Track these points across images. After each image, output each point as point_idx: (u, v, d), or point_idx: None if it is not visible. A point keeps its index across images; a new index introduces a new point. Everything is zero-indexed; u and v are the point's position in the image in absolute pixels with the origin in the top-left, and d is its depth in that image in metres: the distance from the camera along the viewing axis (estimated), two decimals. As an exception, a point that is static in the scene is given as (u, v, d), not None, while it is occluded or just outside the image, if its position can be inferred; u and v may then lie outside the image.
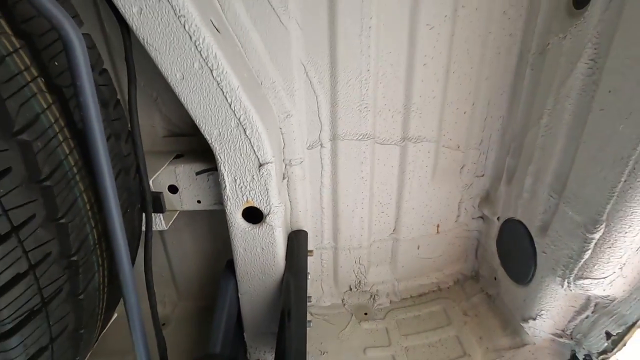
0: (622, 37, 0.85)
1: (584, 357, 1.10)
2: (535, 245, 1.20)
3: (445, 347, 1.44)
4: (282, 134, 1.35)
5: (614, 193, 0.88)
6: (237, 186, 1.17)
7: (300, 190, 1.46)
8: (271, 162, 1.14)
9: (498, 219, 1.45)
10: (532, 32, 1.20)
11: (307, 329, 1.54)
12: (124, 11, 0.92)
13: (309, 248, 1.59)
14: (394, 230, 1.62)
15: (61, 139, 0.67)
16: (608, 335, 1.02)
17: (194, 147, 1.40)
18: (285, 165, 1.41)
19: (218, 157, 1.12)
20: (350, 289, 1.72)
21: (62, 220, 0.67)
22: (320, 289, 1.72)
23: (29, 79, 0.61)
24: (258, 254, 1.28)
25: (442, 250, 1.67)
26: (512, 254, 1.36)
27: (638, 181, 0.82)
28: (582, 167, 0.98)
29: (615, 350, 1.01)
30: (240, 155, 1.12)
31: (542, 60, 1.16)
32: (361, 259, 1.66)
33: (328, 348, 1.50)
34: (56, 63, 0.67)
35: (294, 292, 1.21)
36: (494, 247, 1.47)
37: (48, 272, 0.64)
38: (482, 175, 1.51)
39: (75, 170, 0.70)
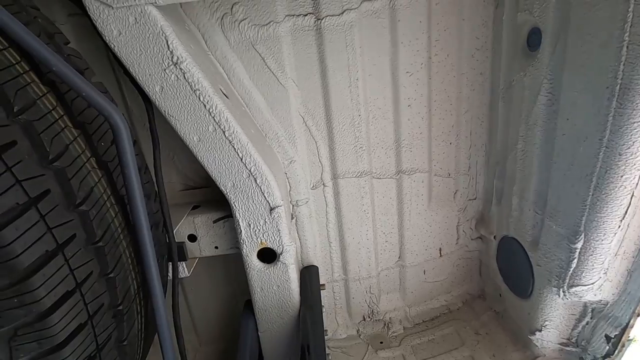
0: (569, 73, 1.01)
1: (589, 362, 1.17)
2: (530, 259, 1.29)
3: (461, 368, 1.49)
4: (287, 178, 1.49)
5: (585, 206, 0.99)
6: (251, 230, 1.28)
7: (308, 228, 1.58)
8: (281, 205, 1.26)
9: (494, 237, 1.55)
10: (498, 70, 1.37)
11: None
12: (147, 90, 1.09)
13: (321, 282, 1.68)
14: (399, 257, 1.71)
15: (108, 205, 0.80)
16: (608, 338, 1.10)
17: (209, 198, 1.53)
18: (293, 206, 1.53)
19: (233, 205, 1.25)
20: (364, 319, 1.78)
21: (111, 275, 0.78)
22: (335, 321, 1.78)
23: (85, 160, 0.75)
24: (274, 292, 1.38)
25: (447, 273, 1.75)
26: (512, 270, 1.45)
27: (603, 194, 0.94)
28: (557, 185, 1.11)
29: (617, 352, 1.07)
30: (253, 202, 1.25)
31: (510, 93, 1.32)
32: (372, 288, 1.74)
33: (349, 379, 1.55)
34: (102, 143, 0.82)
35: (310, 326, 1.29)
36: (495, 264, 1.56)
37: (102, 322, 0.75)
38: (475, 198, 1.63)
39: (119, 230, 0.83)
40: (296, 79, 1.38)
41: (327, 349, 1.70)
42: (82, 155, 0.75)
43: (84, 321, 0.70)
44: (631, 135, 0.85)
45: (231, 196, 1.24)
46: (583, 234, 1.02)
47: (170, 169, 1.50)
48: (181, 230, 1.38)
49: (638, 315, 1.00)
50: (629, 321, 1.02)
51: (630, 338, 1.05)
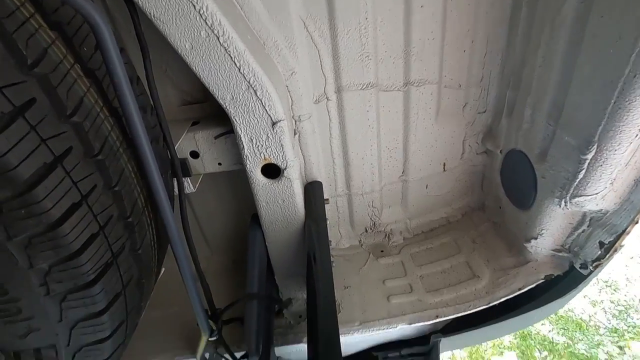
0: (613, -41, 0.87)
1: (580, 265, 1.24)
2: (536, 172, 1.29)
3: (456, 272, 1.60)
4: (289, 91, 1.41)
5: (605, 114, 0.94)
6: (254, 146, 1.26)
7: (311, 144, 1.55)
8: (283, 120, 1.21)
9: (501, 151, 1.53)
10: (527, -39, 1.20)
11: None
12: (129, -12, 0.96)
13: (325, 197, 1.71)
14: (402, 172, 1.72)
15: (103, 117, 0.76)
16: (601, 244, 1.14)
17: (208, 113, 1.48)
18: (295, 121, 1.48)
19: (233, 120, 1.20)
20: (366, 231, 1.87)
21: (116, 188, 0.78)
22: (338, 233, 1.87)
23: (68, 66, 0.69)
24: (280, 206, 1.41)
25: (449, 187, 1.78)
26: (514, 183, 1.46)
27: (626, 102, 0.89)
28: (577, 93, 1.04)
29: (607, 256, 1.13)
30: (254, 116, 1.20)
31: (538, -11, 1.17)
32: (374, 203, 1.78)
33: (350, 283, 1.68)
34: (85, 49, 0.74)
35: (316, 237, 1.35)
36: (498, 178, 1.57)
37: (114, 232, 0.77)
38: (484, 112, 1.56)
39: (118, 143, 0.80)
40: (296, -25, 1.21)
41: (331, 257, 1.82)
42: (64, 61, 0.68)
43: (96, 231, 0.72)
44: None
45: (231, 110, 1.19)
46: (596, 144, 0.99)
47: (165, 82, 1.41)
48: (182, 146, 1.36)
49: (636, 223, 1.03)
50: (626, 228, 1.05)
51: (623, 244, 1.10)
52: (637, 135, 0.92)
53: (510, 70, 1.40)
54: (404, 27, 1.35)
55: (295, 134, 1.48)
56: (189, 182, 1.36)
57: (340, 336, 1.49)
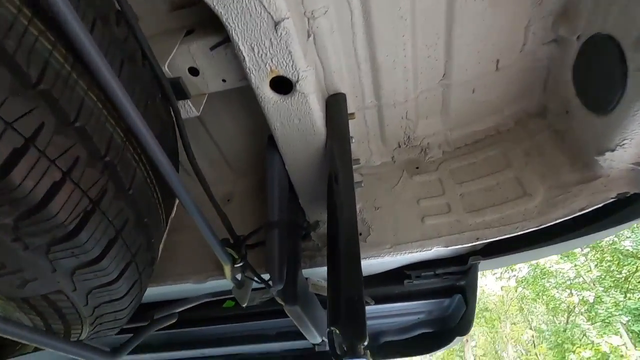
0: None
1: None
2: (628, 64, 0.96)
3: (503, 190, 1.40)
4: (295, -22, 1.10)
5: None
6: (256, 55, 1.03)
7: (330, 47, 1.28)
8: (287, 18, 0.95)
9: (578, 38, 1.17)
10: None
11: (359, 189, 1.59)
12: None
13: (350, 111, 1.49)
14: (443, 75, 1.42)
15: (36, 31, 0.58)
16: None
17: (206, 17, 1.22)
18: (308, 19, 1.20)
19: (226, 23, 0.96)
20: (399, 146, 1.66)
21: (78, 124, 0.63)
22: (368, 149, 1.69)
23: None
24: (296, 126, 1.23)
25: (501, 90, 1.46)
26: (592, 80, 1.14)
27: None
28: None
29: None
30: (250, 16, 0.95)
31: None
32: (408, 114, 1.54)
33: (381, 203, 1.55)
34: None
35: (338, 156, 1.19)
36: (569, 75, 1.24)
37: (84, 176, 0.65)
38: (560, -18, 1.16)
39: (68, 66, 0.63)
40: None
41: (360, 176, 1.68)
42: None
43: (59, 178, 0.61)
44: None
45: (222, 12, 0.94)
46: None
47: (143, -19, 1.16)
48: (177, 62, 1.16)
49: None
50: None
51: None
52: None
53: None
54: None
55: (308, 36, 1.21)
56: (189, 104, 1.19)
57: (372, 258, 1.44)
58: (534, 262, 17.56)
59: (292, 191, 1.46)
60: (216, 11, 0.94)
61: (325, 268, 1.44)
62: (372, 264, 1.52)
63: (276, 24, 0.96)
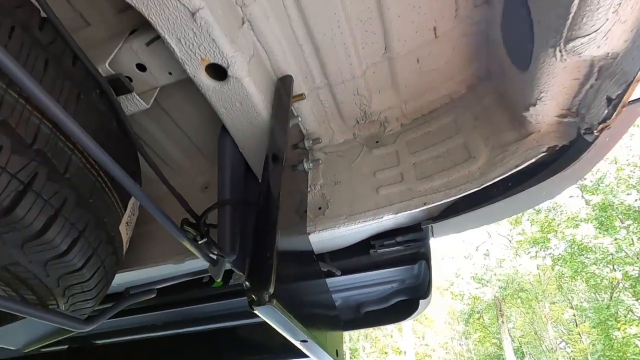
0: None
1: (584, 130, 0.99)
2: (532, 17, 0.98)
3: (451, 155, 1.43)
4: (220, -30, 1.18)
5: None
6: (184, 46, 1.13)
7: (268, 32, 1.35)
8: (202, 8, 1.04)
9: (501, -4, 1.17)
10: None
11: (320, 166, 1.66)
12: None
13: (302, 91, 1.56)
14: (385, 48, 1.45)
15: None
16: (609, 100, 0.88)
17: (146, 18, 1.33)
18: (240, 7, 1.27)
19: (149, 19, 1.06)
20: (358, 122, 1.71)
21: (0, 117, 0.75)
22: (329, 128, 1.75)
23: None
24: (238, 109, 1.32)
25: (447, 57, 1.48)
26: (515, 37, 1.14)
27: None
28: None
29: (615, 114, 0.87)
30: (169, 9, 1.04)
31: None
32: (359, 90, 1.58)
33: (341, 178, 1.62)
34: None
35: (277, 136, 1.26)
36: (499, 33, 1.25)
37: (11, 162, 0.77)
38: (477, -57, 1.17)
39: (-16, 70, 0.75)
40: None
41: (324, 154, 1.75)
42: None
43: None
44: None
45: (142, 8, 1.04)
46: (590, -46, 0.68)
47: (89, -10, 1.27)
48: (123, 60, 1.27)
49: (649, 65, 0.74)
50: (637, 74, 0.77)
51: (634, 99, 0.83)
52: None
53: None
54: None
55: (243, 23, 1.29)
56: (137, 98, 1.30)
57: (329, 230, 1.51)
58: (568, 237, 16.83)
59: (250, 171, 1.55)
60: (138, 8, 1.04)
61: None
62: (340, 236, 1.59)
63: (193, 15, 1.05)
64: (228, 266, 1.50)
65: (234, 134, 1.41)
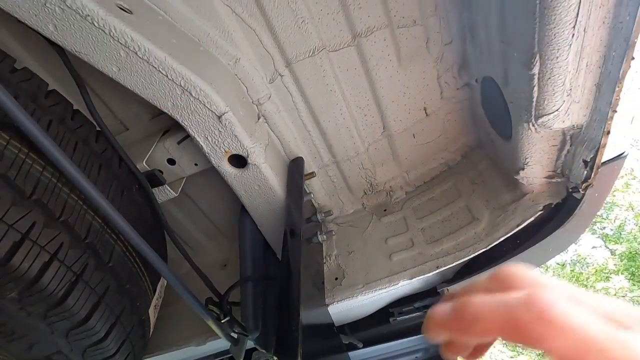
0: None
1: (570, 189, 1.10)
2: (505, 97, 1.15)
3: (456, 218, 1.52)
4: (239, 79, 1.42)
5: (535, 19, 0.80)
6: (210, 143, 1.31)
7: (280, 123, 1.55)
8: (227, 112, 1.24)
9: (477, 81, 1.38)
10: None
11: (333, 237, 1.75)
12: (44, 32, 1.04)
13: (312, 170, 1.72)
14: (383, 128, 1.64)
15: (30, 162, 0.86)
16: (585, 163, 1.00)
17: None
18: (256, 105, 1.49)
19: (183, 124, 1.26)
20: (365, 193, 1.84)
21: (62, 218, 0.89)
22: (339, 201, 1.88)
23: (-18, 129, 0.80)
24: (257, 191, 1.46)
25: (440, 131, 1.66)
26: (495, 113, 1.32)
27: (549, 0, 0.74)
28: (511, 0, 0.90)
29: (593, 174, 0.99)
30: (199, 115, 1.24)
31: None
32: (364, 164, 1.74)
33: (354, 247, 1.69)
34: (-2, 107, 0.84)
35: (292, 213, 1.39)
36: (481, 110, 1.43)
37: (69, 255, 0.89)
38: (451, 42, 1.40)
39: (54, 180, 0.91)
40: (203, -37, 1.19)
41: (335, 225, 1.85)
42: (-24, 125, 0.79)
43: (48, 259, 0.85)
44: None
45: (177, 116, 1.25)
46: (538, 55, 0.85)
47: (130, 102, 1.51)
48: (156, 156, 1.47)
49: (608, 134, 0.87)
50: (601, 141, 0.90)
51: (609, 159, 0.95)
52: (573, 35, 0.77)
53: (460, -12, 1.23)
54: (331, -22, 1.26)
55: (258, 118, 1.50)
56: (168, 188, 1.47)
57: (347, 300, 1.55)
58: (601, 292, 15.80)
59: (270, 248, 1.64)
60: (173, 116, 1.25)
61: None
62: (358, 306, 1.62)
63: (219, 117, 1.25)
64: (248, 346, 1.51)
65: (253, 214, 1.53)
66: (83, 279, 0.93)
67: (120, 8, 1.10)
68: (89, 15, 1.02)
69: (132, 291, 1.12)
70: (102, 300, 0.98)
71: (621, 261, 15.28)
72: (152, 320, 1.36)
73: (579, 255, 16.85)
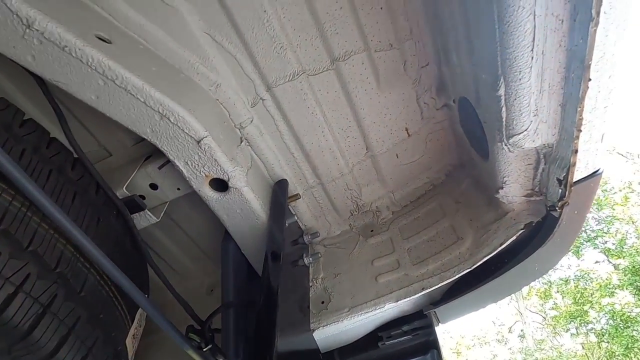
0: None
1: (548, 207, 1.09)
2: (479, 117, 1.16)
3: (441, 238, 1.51)
4: (221, 104, 1.44)
5: (496, 43, 0.82)
6: (190, 167, 1.31)
7: (263, 146, 1.56)
8: (206, 136, 1.25)
9: (454, 101, 1.39)
10: None
11: (320, 259, 1.73)
12: (22, 63, 1.06)
13: (297, 192, 1.72)
14: (366, 148, 1.65)
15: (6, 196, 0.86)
16: (559, 181, 1.00)
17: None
18: (239, 129, 1.51)
19: (162, 149, 1.27)
20: (352, 214, 1.83)
21: (31, 248, 0.88)
22: (326, 222, 1.86)
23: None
24: (239, 215, 1.45)
25: (422, 150, 1.67)
26: (473, 132, 1.33)
27: (505, 25, 0.76)
28: (475, 25, 0.92)
29: (567, 192, 0.98)
30: (178, 141, 1.25)
31: None
32: (349, 185, 1.74)
33: (341, 269, 1.67)
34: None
35: (275, 235, 1.37)
36: (460, 130, 1.44)
37: (35, 287, 0.87)
38: (427, 64, 1.43)
39: (24, 209, 0.90)
40: (181, -6, 1.23)
41: (322, 247, 1.83)
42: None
43: (12, 291, 0.83)
44: None
45: (156, 142, 1.25)
46: (502, 77, 0.87)
47: (113, 129, 1.52)
48: (138, 182, 1.46)
49: (577, 152, 0.88)
50: (571, 159, 0.91)
51: (583, 177, 0.95)
52: (532, 58, 0.79)
53: (432, 13, 1.27)
54: (307, 6, 1.30)
55: (241, 141, 1.50)
56: (149, 213, 1.46)
57: (333, 324, 1.51)
58: (607, 308, 15.50)
59: (254, 272, 1.62)
60: (152, 142, 1.25)
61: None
62: (345, 330, 1.58)
63: (198, 142, 1.25)
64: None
65: (236, 237, 1.52)
66: (51, 310, 0.91)
67: (100, 38, 1.13)
68: (67, 47, 1.04)
69: (107, 321, 1.09)
70: (72, 332, 0.96)
71: (625, 276, 15.05)
72: (131, 350, 1.32)
73: (582, 271, 16.61)
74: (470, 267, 1.33)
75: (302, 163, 1.67)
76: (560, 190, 1.01)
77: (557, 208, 1.06)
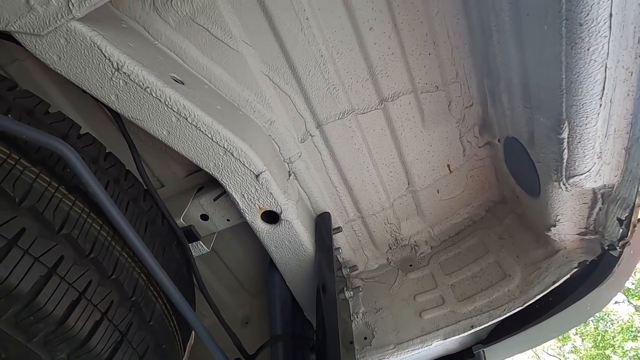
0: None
1: (607, 247, 1.11)
2: (531, 157, 1.21)
3: (487, 274, 1.51)
4: (273, 139, 1.51)
5: (562, 91, 0.88)
6: (246, 200, 1.36)
7: (309, 180, 1.62)
8: (264, 171, 1.31)
9: (499, 140, 1.45)
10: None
11: (359, 293, 1.73)
12: (105, 101, 1.15)
13: (338, 225, 1.75)
14: (408, 184, 1.70)
15: (90, 221, 0.91)
16: (620, 221, 1.02)
17: (210, 177, 1.63)
18: (287, 163, 1.57)
19: (222, 182, 1.32)
20: (390, 248, 1.85)
21: (113, 277, 0.92)
22: (364, 256, 1.88)
23: (53, 190, 0.86)
24: (287, 247, 1.48)
25: (462, 186, 1.71)
26: (520, 170, 1.37)
27: (575, 74, 0.83)
28: (534, 73, 0.99)
29: (630, 232, 1.01)
30: (238, 174, 1.31)
31: (475, -22, 1.15)
32: (389, 219, 1.77)
33: (382, 304, 1.66)
34: (68, 170, 0.91)
35: (323, 268, 1.39)
36: (505, 168, 1.48)
37: (117, 314, 0.90)
38: (471, 105, 1.50)
39: (109, 238, 0.95)
40: (247, 39, 1.34)
41: (360, 281, 1.83)
42: (49, 187, 0.85)
43: (99, 318, 0.86)
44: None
45: (217, 175, 1.31)
46: (566, 121, 0.92)
47: (167, 160, 1.60)
48: (191, 213, 1.51)
49: (642, 194, 0.91)
50: (635, 200, 0.94)
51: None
52: (601, 105, 0.84)
53: (480, 58, 1.35)
54: (361, 52, 1.39)
55: (289, 175, 1.56)
56: (201, 244, 1.50)
57: (378, 362, 1.48)
58: (630, 353, 14.69)
59: (297, 305, 1.62)
60: (214, 175, 1.31)
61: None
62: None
63: (257, 176, 1.31)
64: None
65: (282, 269, 1.54)
66: (127, 338, 0.93)
67: (174, 79, 1.22)
68: (148, 87, 1.13)
69: (168, 352, 1.10)
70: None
71: (648, 318, 14.38)
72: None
73: (602, 312, 15.91)
74: (521, 305, 1.33)
75: (344, 197, 1.71)
76: (621, 230, 1.03)
77: (617, 247, 1.07)
